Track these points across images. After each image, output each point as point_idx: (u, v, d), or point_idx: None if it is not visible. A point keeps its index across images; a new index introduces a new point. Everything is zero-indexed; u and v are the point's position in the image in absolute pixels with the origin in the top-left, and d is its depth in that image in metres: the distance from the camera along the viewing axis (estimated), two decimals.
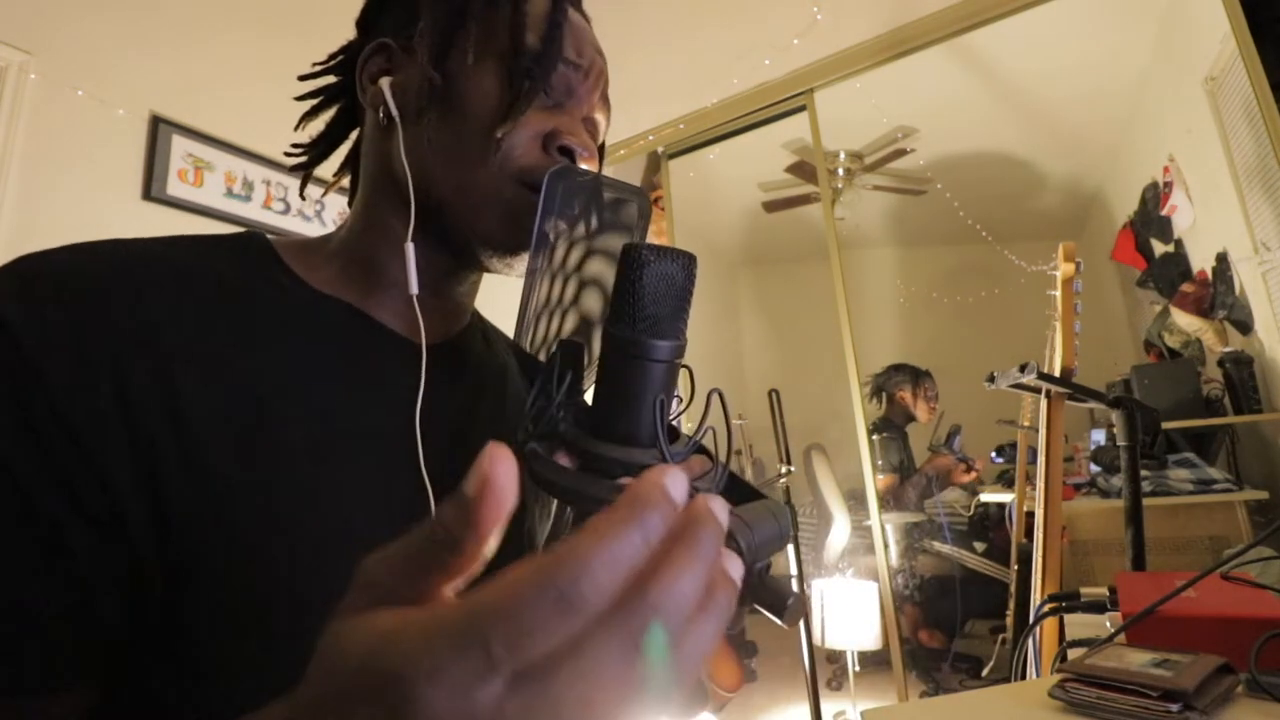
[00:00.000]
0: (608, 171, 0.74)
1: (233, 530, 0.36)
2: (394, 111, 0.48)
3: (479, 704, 0.17)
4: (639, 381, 0.32)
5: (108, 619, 0.34)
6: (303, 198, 0.66)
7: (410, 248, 0.47)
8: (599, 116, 0.53)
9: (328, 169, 0.60)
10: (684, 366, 0.34)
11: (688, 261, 0.33)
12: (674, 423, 0.36)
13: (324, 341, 0.45)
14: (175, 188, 1.86)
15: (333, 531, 0.39)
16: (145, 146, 1.82)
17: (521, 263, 0.50)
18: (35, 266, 0.37)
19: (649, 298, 0.32)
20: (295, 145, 0.58)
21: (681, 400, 0.37)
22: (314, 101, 0.57)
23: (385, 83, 0.49)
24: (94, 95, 1.73)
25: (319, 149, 0.57)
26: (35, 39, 1.64)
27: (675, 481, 0.20)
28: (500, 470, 0.19)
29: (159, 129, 1.84)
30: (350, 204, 0.57)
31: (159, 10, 1.76)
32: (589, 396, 0.36)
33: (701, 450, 0.36)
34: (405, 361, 0.47)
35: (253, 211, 2.00)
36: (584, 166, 0.48)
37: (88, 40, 1.71)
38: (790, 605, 0.29)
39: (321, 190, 0.61)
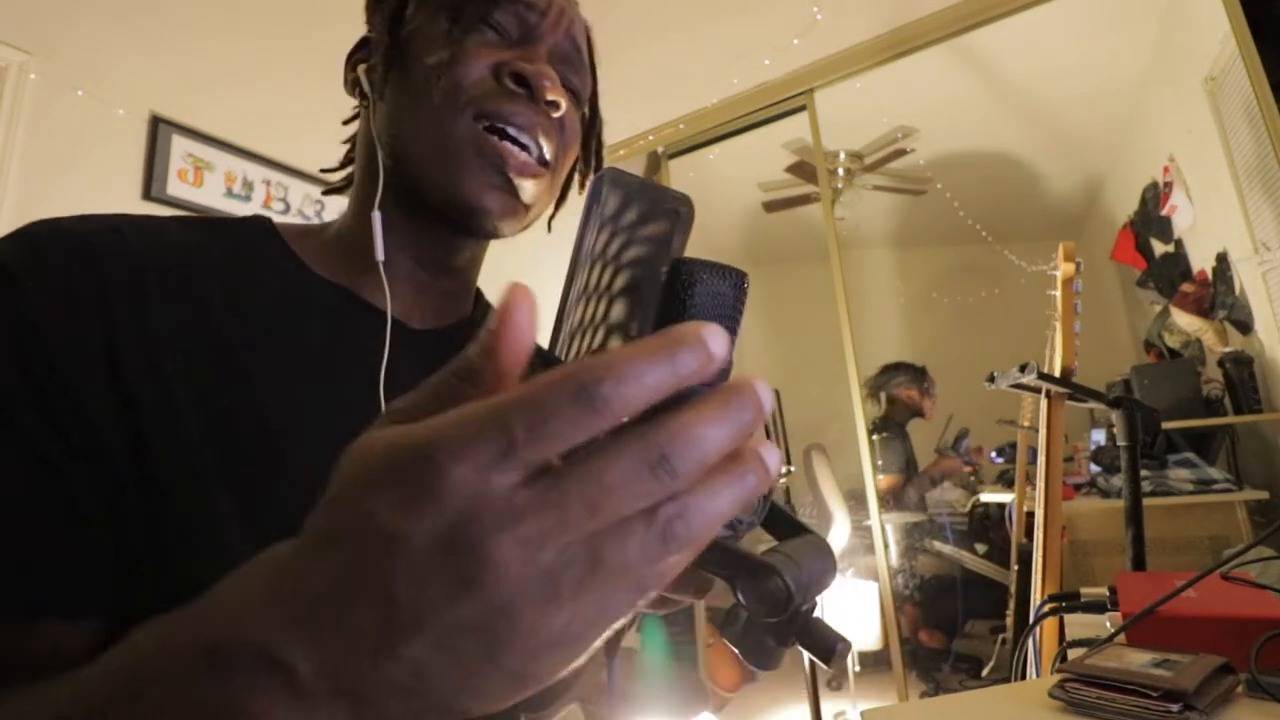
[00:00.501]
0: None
1: (194, 462, 0.39)
2: (367, 90, 0.50)
3: (497, 486, 0.17)
4: None
5: (98, 547, 0.36)
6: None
7: (377, 216, 0.48)
8: (573, 58, 0.53)
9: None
10: None
11: (739, 279, 0.30)
12: None
13: (311, 316, 0.47)
14: (175, 188, 1.86)
15: (292, 472, 0.41)
16: (145, 146, 1.82)
17: (509, 225, 0.50)
18: (45, 230, 0.41)
19: (697, 319, 0.28)
20: (324, 170, 0.61)
21: None
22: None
23: (361, 69, 0.52)
24: (94, 95, 1.73)
25: (345, 166, 0.60)
26: (35, 39, 1.64)
27: (714, 334, 0.20)
28: (520, 306, 0.20)
29: (159, 129, 1.84)
30: None
31: (159, 10, 1.76)
32: None
33: None
34: (391, 340, 0.48)
35: (252, 211, 2.00)
36: (551, 98, 0.48)
37: (88, 40, 1.71)
38: (838, 652, 0.28)
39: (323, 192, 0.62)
